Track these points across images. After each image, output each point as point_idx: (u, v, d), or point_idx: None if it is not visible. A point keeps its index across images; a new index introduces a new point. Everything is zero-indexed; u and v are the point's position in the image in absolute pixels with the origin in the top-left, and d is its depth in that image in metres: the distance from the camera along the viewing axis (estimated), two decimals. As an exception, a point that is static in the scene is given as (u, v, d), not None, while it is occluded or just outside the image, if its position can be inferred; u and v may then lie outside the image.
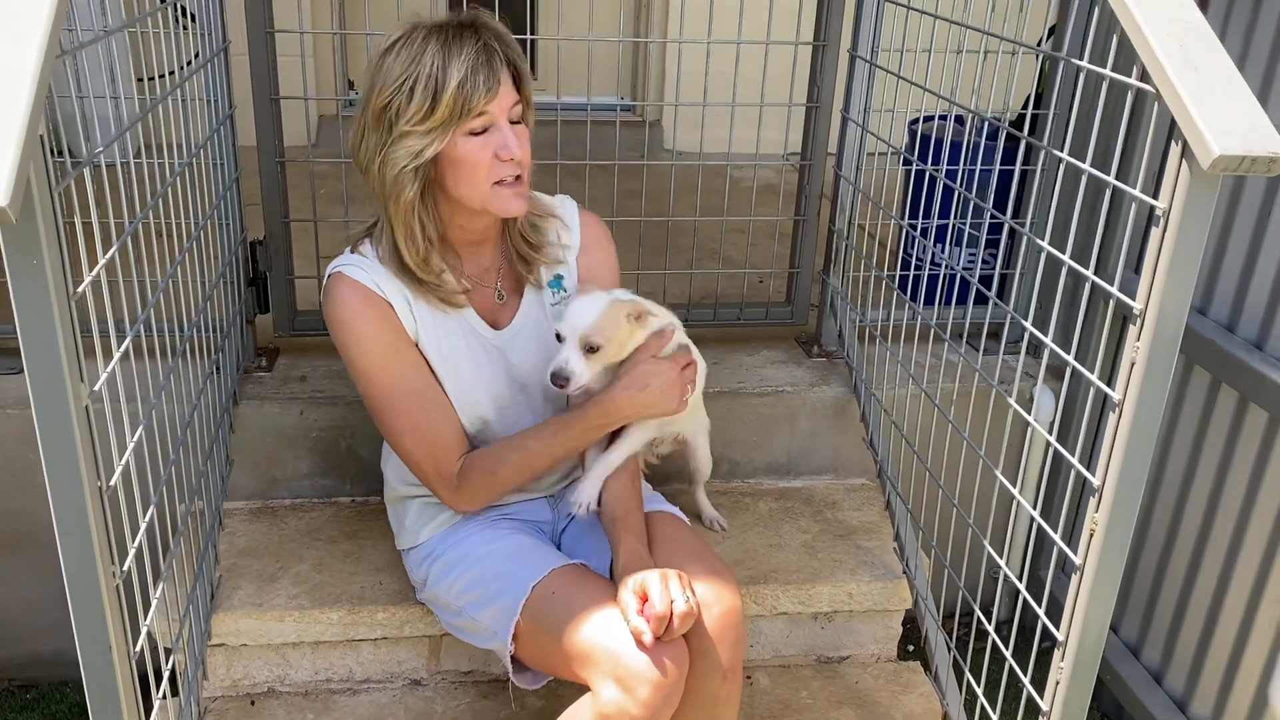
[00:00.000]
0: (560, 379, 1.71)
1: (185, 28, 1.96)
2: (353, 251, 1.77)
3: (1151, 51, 1.21)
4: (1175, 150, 1.19)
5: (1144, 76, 1.25)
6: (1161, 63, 1.20)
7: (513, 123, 1.66)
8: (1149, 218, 1.25)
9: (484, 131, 1.64)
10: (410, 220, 1.69)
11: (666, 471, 2.22)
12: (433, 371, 1.78)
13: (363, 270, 1.73)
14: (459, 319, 1.80)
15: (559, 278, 1.88)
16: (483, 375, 1.82)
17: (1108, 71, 1.37)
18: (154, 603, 1.45)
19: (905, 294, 2.73)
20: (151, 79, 1.80)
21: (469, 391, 1.80)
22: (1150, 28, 1.22)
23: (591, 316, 1.70)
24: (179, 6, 1.91)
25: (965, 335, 2.56)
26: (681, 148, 4.09)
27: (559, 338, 1.73)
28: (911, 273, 2.72)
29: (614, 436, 1.83)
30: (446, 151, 1.64)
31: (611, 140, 2.40)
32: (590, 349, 1.71)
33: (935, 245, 2.73)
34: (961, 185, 2.09)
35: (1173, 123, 1.19)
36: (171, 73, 1.78)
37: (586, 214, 1.93)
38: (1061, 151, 1.53)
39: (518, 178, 1.69)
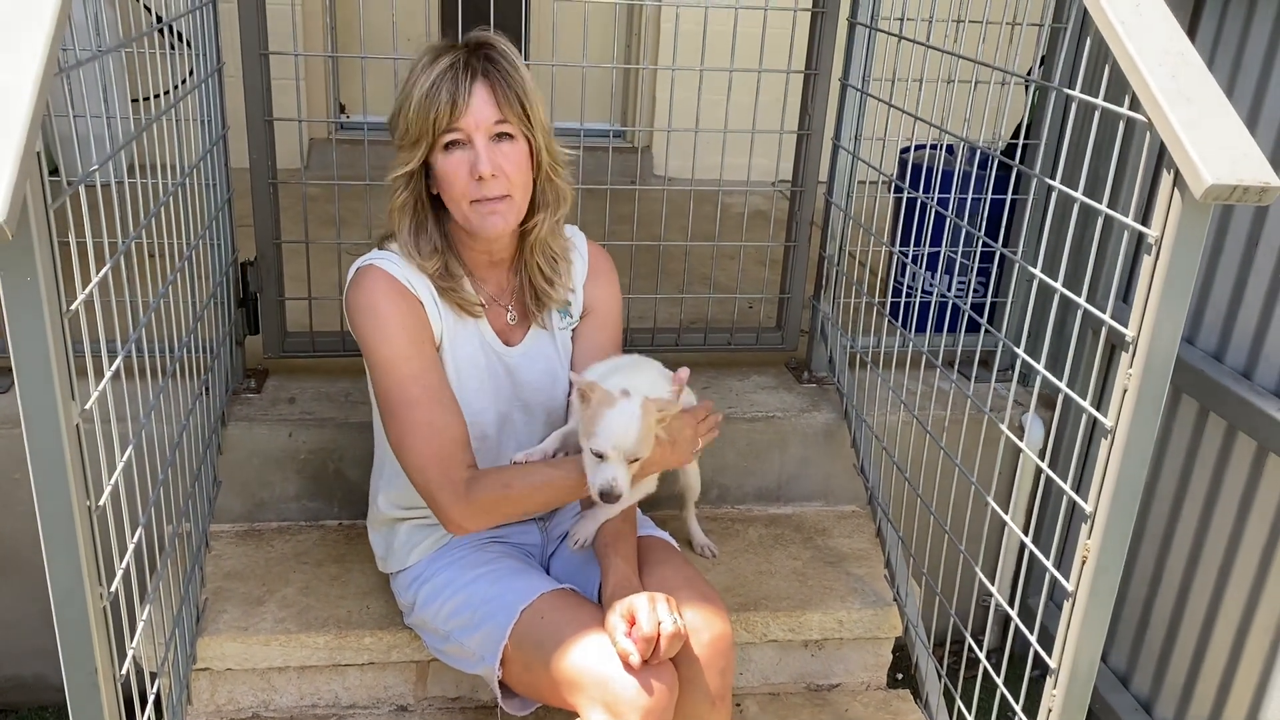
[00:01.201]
0: (611, 497, 1.65)
1: (174, 48, 1.97)
2: (381, 248, 1.77)
3: (1144, 82, 1.22)
4: (1167, 179, 1.20)
5: (1134, 106, 1.26)
6: (1154, 93, 1.21)
7: (500, 139, 1.65)
8: (1138, 245, 1.27)
9: (461, 148, 1.65)
10: (405, 222, 1.72)
11: (657, 497, 2.21)
12: None
13: (394, 265, 1.73)
14: (475, 329, 1.80)
15: (566, 303, 1.88)
16: (489, 389, 1.82)
17: (1100, 101, 1.38)
18: (140, 626, 1.43)
19: (896, 320, 2.75)
20: (146, 99, 1.80)
21: (475, 402, 1.80)
22: (1143, 59, 1.24)
23: (634, 434, 1.63)
24: (172, 29, 1.92)
25: (956, 363, 2.57)
26: (673, 174, 4.12)
27: (598, 455, 1.64)
28: (903, 300, 2.73)
29: None
30: (432, 166, 1.68)
31: (603, 166, 2.41)
32: (633, 460, 1.67)
33: (925, 272, 2.75)
34: (952, 210, 2.10)
35: (1163, 151, 1.21)
36: (166, 93, 1.78)
37: (594, 245, 1.95)
38: (1051, 179, 1.55)
39: (504, 197, 1.67)
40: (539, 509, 1.85)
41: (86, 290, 1.25)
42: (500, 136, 1.65)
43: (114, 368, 1.36)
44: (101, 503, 1.26)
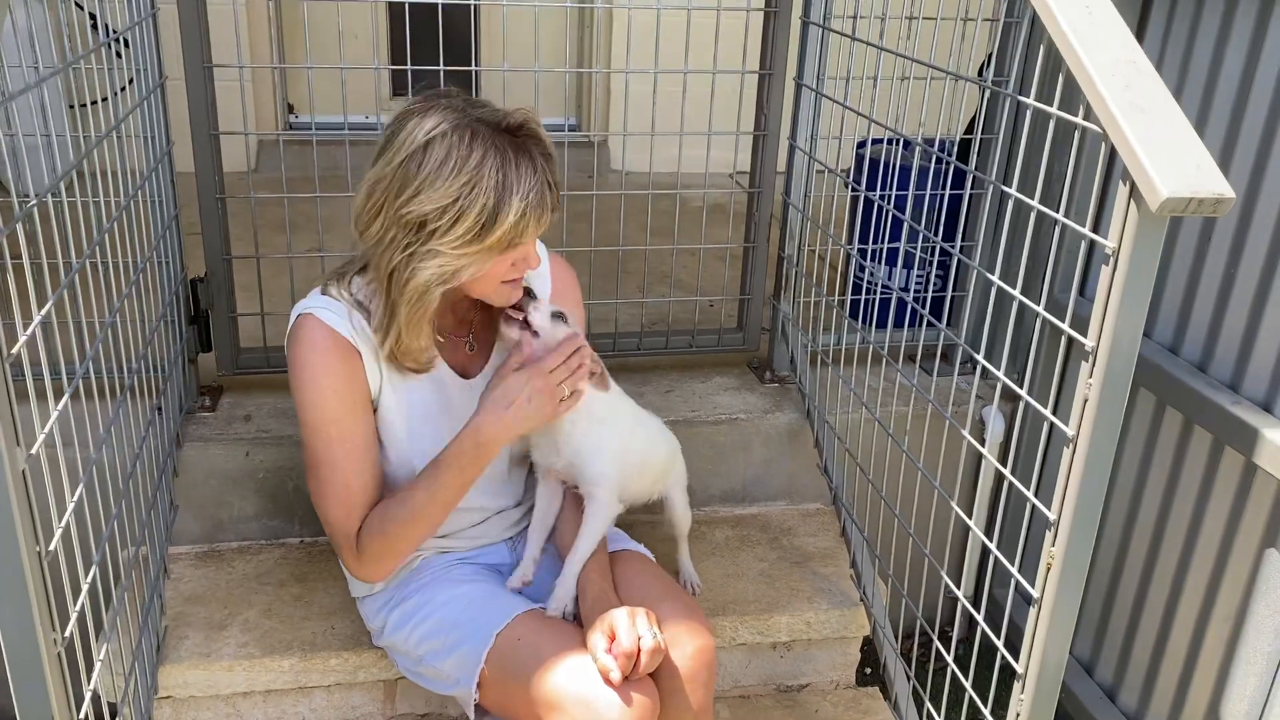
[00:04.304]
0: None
1: (119, 54, 1.91)
2: (323, 293, 1.67)
3: (1098, 92, 1.22)
4: (1123, 190, 1.20)
5: (1088, 115, 1.26)
6: (1107, 104, 1.21)
7: None
8: (1090, 251, 1.27)
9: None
10: (420, 322, 1.62)
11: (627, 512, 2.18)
12: (381, 427, 1.72)
13: (335, 315, 1.64)
14: (427, 375, 1.73)
15: None
16: (445, 428, 1.72)
17: (1054, 110, 1.38)
18: (98, 665, 1.40)
19: (857, 318, 2.75)
20: (85, 105, 1.74)
21: (431, 446, 1.71)
22: (1095, 68, 1.24)
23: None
24: (106, 28, 1.86)
25: (918, 357, 2.57)
26: (630, 167, 4.09)
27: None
28: (863, 297, 2.73)
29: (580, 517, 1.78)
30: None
31: (559, 164, 2.36)
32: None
33: (885, 268, 2.75)
34: (910, 209, 2.10)
35: (1114, 155, 1.21)
36: (105, 99, 1.73)
37: (556, 257, 1.90)
38: (1005, 181, 1.55)
39: None
40: (433, 524, 1.71)
41: (29, 331, 1.20)
42: None
43: (62, 404, 1.32)
44: (52, 547, 1.22)
